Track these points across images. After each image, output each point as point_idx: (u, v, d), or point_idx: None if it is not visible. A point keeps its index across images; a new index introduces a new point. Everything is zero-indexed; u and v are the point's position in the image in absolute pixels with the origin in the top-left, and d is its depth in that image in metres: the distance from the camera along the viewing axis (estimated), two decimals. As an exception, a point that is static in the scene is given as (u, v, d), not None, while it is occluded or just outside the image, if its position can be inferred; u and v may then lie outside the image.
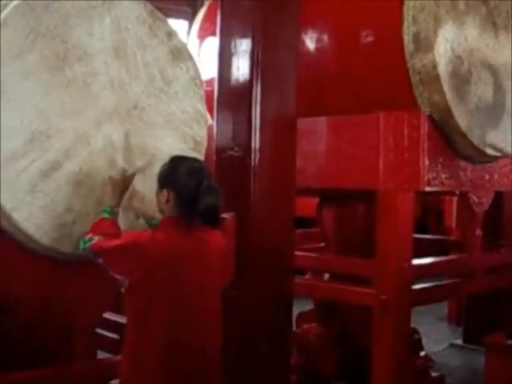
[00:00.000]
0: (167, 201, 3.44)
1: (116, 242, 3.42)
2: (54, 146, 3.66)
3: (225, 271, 3.74)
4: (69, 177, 3.71)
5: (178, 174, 3.44)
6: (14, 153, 3.52)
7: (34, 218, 3.60)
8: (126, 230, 3.73)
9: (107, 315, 4.60)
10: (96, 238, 3.49)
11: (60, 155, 3.67)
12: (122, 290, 3.67)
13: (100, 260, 3.48)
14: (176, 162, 3.53)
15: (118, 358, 4.10)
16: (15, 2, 3.61)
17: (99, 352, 4.50)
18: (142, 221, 3.96)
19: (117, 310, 4.58)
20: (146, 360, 3.35)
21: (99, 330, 4.48)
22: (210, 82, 5.08)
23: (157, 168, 3.60)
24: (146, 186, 3.91)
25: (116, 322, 4.63)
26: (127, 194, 3.87)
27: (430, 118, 5.30)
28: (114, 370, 4.09)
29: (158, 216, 3.68)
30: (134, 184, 3.89)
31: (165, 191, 3.45)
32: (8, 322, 3.92)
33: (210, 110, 4.62)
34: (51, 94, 3.67)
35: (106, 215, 3.67)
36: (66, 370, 4.07)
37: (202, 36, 7.78)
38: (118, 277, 3.62)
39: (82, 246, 3.54)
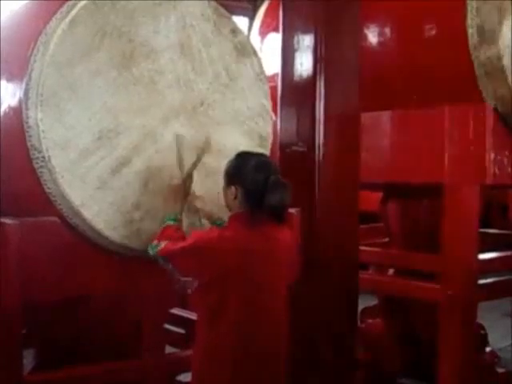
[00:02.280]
0: (235, 197, 3.44)
1: (184, 243, 3.43)
2: (123, 142, 3.70)
3: (292, 266, 3.74)
4: (137, 173, 3.75)
5: (245, 170, 3.43)
6: (83, 150, 3.57)
7: (103, 215, 3.64)
8: (193, 230, 3.76)
9: (175, 311, 4.65)
10: (163, 243, 3.52)
11: (129, 152, 3.71)
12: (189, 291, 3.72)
13: (169, 265, 3.50)
14: (243, 158, 3.52)
15: (185, 352, 4.16)
16: (83, 2, 3.66)
17: (167, 347, 4.53)
18: (205, 222, 3.97)
19: (184, 306, 4.63)
20: (217, 358, 3.37)
21: (167, 325, 4.52)
22: (272, 78, 5.08)
23: (223, 164, 3.61)
24: (214, 183, 3.94)
25: (183, 318, 4.68)
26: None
27: (495, 110, 5.23)
28: (182, 364, 4.16)
29: (224, 217, 3.70)
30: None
31: (232, 187, 3.45)
32: (80, 317, 4.00)
33: (274, 106, 4.62)
34: (119, 91, 3.71)
35: (170, 222, 3.70)
36: (134, 363, 4.13)
37: (263, 32, 7.80)
38: (186, 279, 3.66)
39: (151, 252, 3.57)
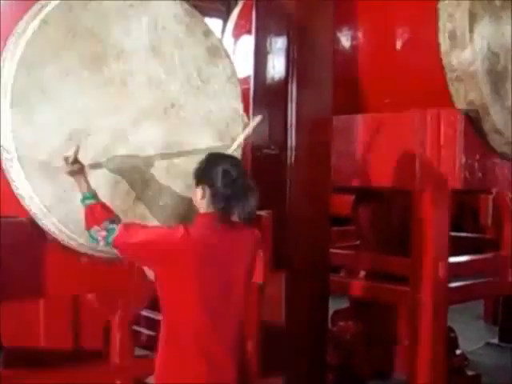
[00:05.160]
0: (202, 197, 3.44)
1: (145, 236, 3.37)
2: (93, 144, 3.68)
3: (260, 269, 3.75)
4: (107, 175, 3.73)
5: (213, 172, 3.43)
6: (53, 150, 3.55)
7: (72, 216, 3.61)
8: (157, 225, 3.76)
9: (144, 312, 4.64)
10: (117, 229, 3.42)
11: (99, 153, 3.70)
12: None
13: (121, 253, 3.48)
14: (212, 159, 3.52)
15: (155, 355, 4.14)
16: (54, 2, 3.64)
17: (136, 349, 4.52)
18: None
19: (153, 307, 4.61)
20: (175, 355, 3.38)
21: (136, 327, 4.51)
22: (245, 80, 5.08)
23: (194, 165, 3.61)
24: (184, 184, 3.94)
25: (153, 319, 4.67)
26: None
27: (467, 115, 5.27)
28: (151, 367, 4.13)
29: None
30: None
31: (200, 187, 3.44)
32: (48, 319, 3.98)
33: (246, 108, 4.62)
34: (89, 92, 3.70)
35: (91, 201, 3.51)
36: (102, 366, 4.11)
37: (236, 34, 7.78)
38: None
39: (106, 239, 3.42)
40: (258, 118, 4.13)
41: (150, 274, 3.55)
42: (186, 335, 3.35)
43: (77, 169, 3.53)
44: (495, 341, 8.79)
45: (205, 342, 3.35)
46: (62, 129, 3.59)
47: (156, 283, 3.45)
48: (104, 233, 3.43)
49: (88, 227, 3.47)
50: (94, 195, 3.54)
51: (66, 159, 3.49)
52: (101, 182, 3.69)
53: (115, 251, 3.55)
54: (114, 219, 3.48)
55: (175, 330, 3.39)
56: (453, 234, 5.97)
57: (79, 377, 3.94)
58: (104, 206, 3.54)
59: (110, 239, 3.42)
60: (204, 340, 3.35)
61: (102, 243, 3.45)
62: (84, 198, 3.52)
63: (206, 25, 4.24)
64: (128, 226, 3.47)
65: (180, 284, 3.32)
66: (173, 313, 3.39)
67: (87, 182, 3.55)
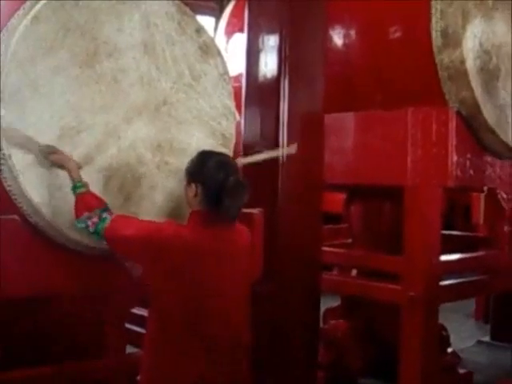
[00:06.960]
0: (195, 195, 3.44)
1: (136, 231, 3.38)
2: (85, 141, 3.67)
3: (252, 267, 3.75)
4: (99, 172, 3.72)
5: (205, 169, 3.44)
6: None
7: (63, 213, 3.60)
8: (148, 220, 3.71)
9: (136, 310, 4.63)
10: (108, 219, 3.44)
11: (90, 150, 3.68)
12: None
13: (110, 244, 3.48)
14: (204, 157, 3.52)
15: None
16: (45, -1, 3.64)
17: (128, 346, 4.51)
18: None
19: (145, 305, 4.61)
20: (163, 355, 3.37)
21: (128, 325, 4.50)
22: (237, 78, 5.09)
23: (186, 163, 3.60)
24: (176, 182, 3.93)
25: (144, 317, 4.66)
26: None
27: (458, 113, 5.29)
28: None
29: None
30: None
31: (193, 185, 3.45)
32: (40, 317, 3.97)
33: (238, 106, 4.62)
34: (81, 89, 3.68)
35: (82, 190, 3.53)
36: (95, 363, 4.10)
37: (229, 32, 7.80)
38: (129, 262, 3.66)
39: (95, 227, 3.44)
40: (292, 149, 4.23)
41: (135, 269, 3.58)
42: (174, 332, 3.36)
43: (62, 157, 3.56)
44: (487, 339, 8.81)
45: (195, 339, 3.36)
46: (54, 126, 3.57)
47: (144, 278, 3.46)
48: (95, 219, 3.44)
49: (78, 215, 3.49)
50: (85, 184, 3.55)
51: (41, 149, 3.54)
52: (92, 179, 3.67)
53: (107, 248, 3.55)
54: (106, 208, 3.50)
55: (163, 326, 3.39)
56: (444, 232, 5.99)
57: (72, 374, 3.93)
58: (95, 196, 3.55)
59: (100, 227, 3.43)
60: (194, 336, 3.35)
61: (91, 229, 3.45)
62: (75, 187, 3.53)
63: (197, 22, 4.23)
64: (120, 218, 3.49)
65: (169, 281, 3.31)
66: (160, 309, 3.39)
67: (77, 171, 3.56)
